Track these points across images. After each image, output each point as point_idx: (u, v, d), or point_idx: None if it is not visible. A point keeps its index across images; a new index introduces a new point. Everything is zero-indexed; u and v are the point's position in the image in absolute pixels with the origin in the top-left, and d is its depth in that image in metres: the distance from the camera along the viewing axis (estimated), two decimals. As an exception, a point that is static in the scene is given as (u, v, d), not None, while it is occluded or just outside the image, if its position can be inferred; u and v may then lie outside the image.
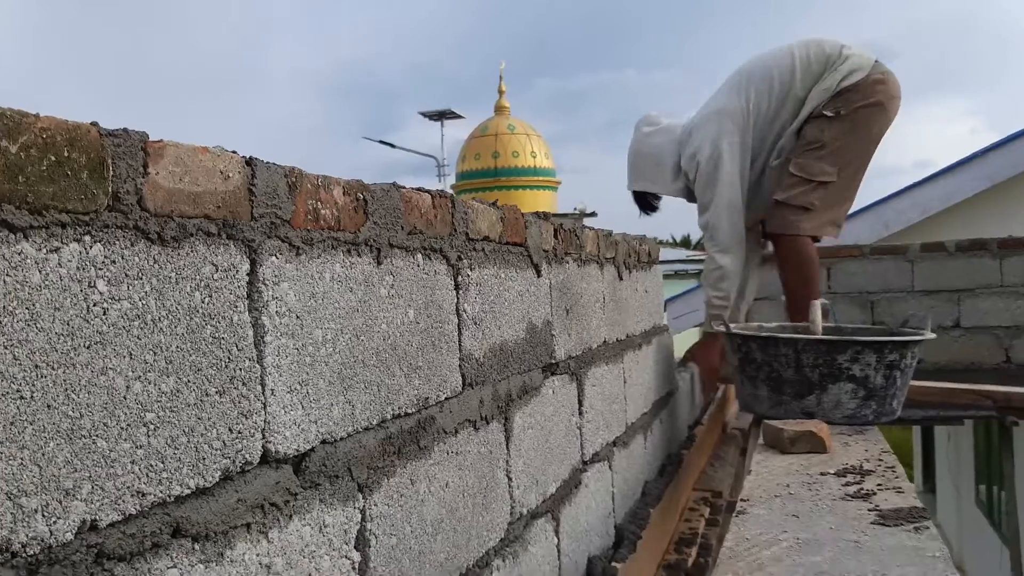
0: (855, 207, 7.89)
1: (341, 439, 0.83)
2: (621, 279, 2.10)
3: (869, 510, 1.53)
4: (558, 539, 1.50)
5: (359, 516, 0.85)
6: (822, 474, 1.82)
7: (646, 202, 3.48)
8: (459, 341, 1.12)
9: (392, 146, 20.19)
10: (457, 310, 1.12)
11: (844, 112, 3.04)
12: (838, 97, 3.05)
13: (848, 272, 4.69)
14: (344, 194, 0.85)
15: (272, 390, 0.73)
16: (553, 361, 1.52)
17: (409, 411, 0.97)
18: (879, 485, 1.71)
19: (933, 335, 2.50)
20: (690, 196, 3.30)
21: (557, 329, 1.55)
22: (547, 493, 1.45)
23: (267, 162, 0.74)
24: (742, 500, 1.64)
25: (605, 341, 1.92)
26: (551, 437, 1.48)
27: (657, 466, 2.48)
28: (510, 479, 1.28)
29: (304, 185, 0.78)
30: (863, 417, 2.42)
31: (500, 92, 29.02)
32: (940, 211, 7.12)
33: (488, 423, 1.20)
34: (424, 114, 20.21)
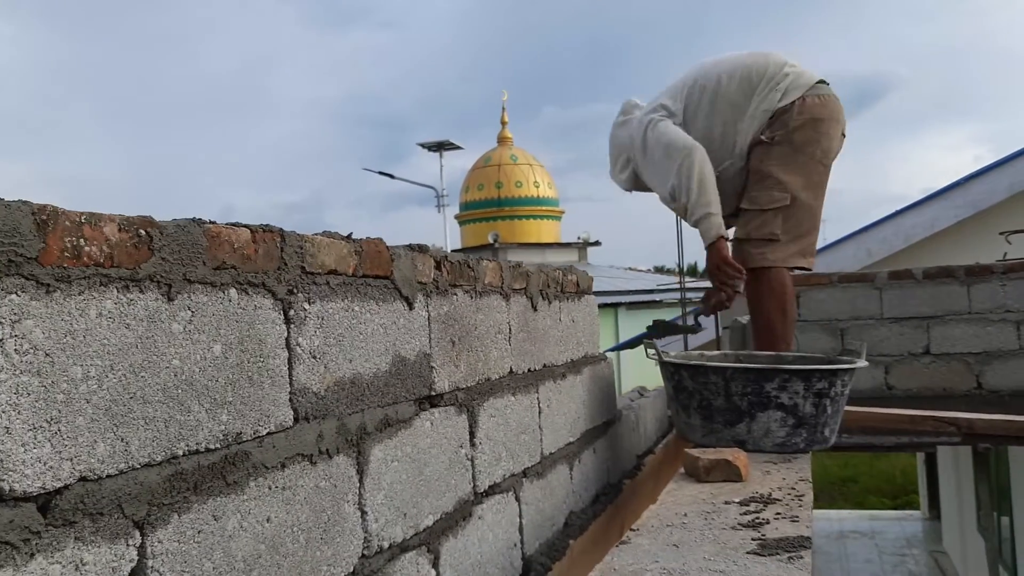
0: (840, 234, 7.87)
1: (109, 476, 0.83)
2: (536, 309, 2.10)
3: (753, 539, 1.50)
4: (437, 572, 1.48)
5: (135, 553, 0.85)
6: (726, 503, 1.79)
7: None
8: (290, 375, 1.12)
9: (392, 177, 20.29)
10: (288, 344, 1.12)
11: (780, 137, 3.01)
12: (775, 120, 3.02)
13: (817, 300, 4.68)
14: (120, 230, 0.86)
15: (7, 428, 0.73)
16: (433, 393, 1.52)
17: (212, 447, 0.97)
18: (778, 514, 1.68)
19: (864, 364, 2.48)
20: (636, 185, 3.35)
21: (438, 361, 1.54)
22: (420, 526, 1.44)
23: (9, 201, 0.75)
24: (632, 530, 1.62)
25: (511, 371, 1.91)
26: (427, 469, 1.47)
27: (589, 496, 2.46)
28: (364, 512, 1.27)
29: (60, 222, 0.79)
30: (794, 445, 2.40)
31: (503, 123, 29.28)
32: (924, 238, 7.11)
33: (331, 457, 1.19)
34: (423, 145, 20.34)
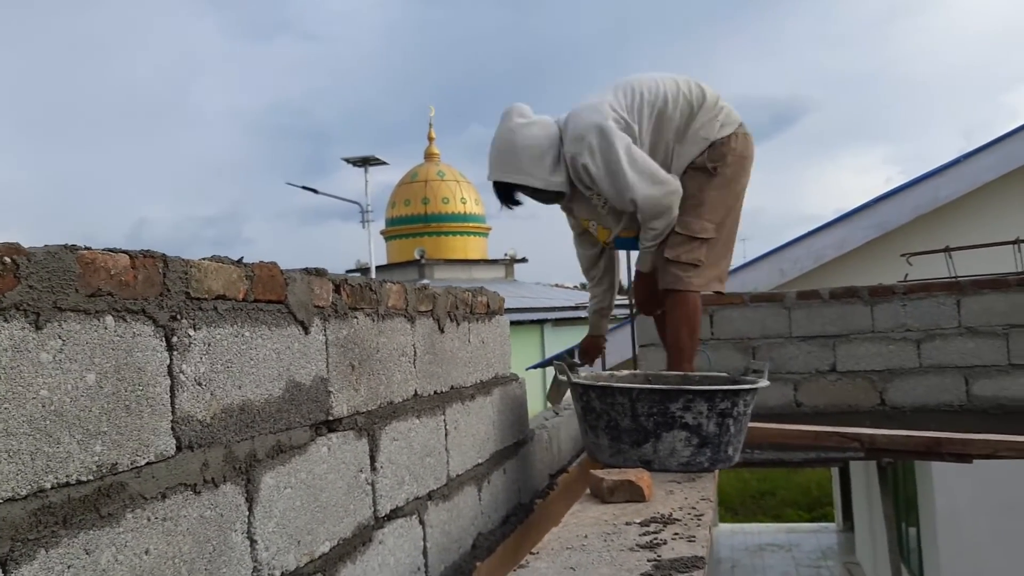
0: (759, 252, 8.08)
1: (-34, 512, 0.80)
2: (443, 331, 2.10)
3: (648, 560, 1.53)
4: (333, 600, 1.47)
5: (-5, 592, 0.82)
6: (627, 524, 1.82)
7: (510, 195, 3.29)
8: (172, 403, 1.10)
9: (315, 191, 20.06)
10: (171, 372, 1.10)
11: (720, 167, 3.15)
12: (714, 149, 3.14)
13: (729, 319, 4.79)
14: (-17, 259, 0.83)
15: None
16: (331, 418, 1.51)
17: (84, 479, 0.94)
18: (676, 534, 1.71)
19: (766, 383, 2.55)
20: (568, 188, 3.21)
21: (337, 385, 1.53)
22: (316, 553, 1.42)
23: None
24: (531, 553, 1.63)
25: (416, 394, 1.91)
26: (323, 495, 1.46)
27: (499, 516, 2.46)
28: (253, 541, 1.25)
29: (-85, 251, 0.76)
30: (699, 464, 2.45)
31: (430, 139, 29.27)
32: (834, 258, 7.34)
33: (217, 486, 1.17)
34: (348, 160, 20.16)
